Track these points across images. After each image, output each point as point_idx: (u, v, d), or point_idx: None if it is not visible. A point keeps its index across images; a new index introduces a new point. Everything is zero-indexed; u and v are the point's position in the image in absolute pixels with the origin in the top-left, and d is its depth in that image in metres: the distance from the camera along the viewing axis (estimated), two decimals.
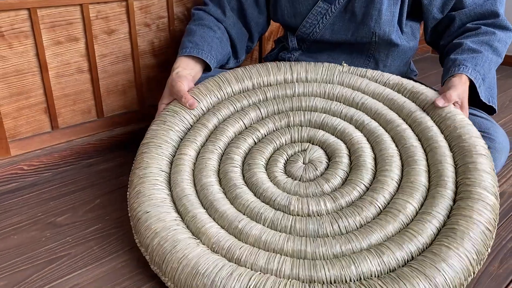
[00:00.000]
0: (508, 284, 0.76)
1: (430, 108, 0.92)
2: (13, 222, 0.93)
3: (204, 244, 0.75)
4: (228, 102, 0.98)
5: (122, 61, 1.24)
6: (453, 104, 0.92)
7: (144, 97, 1.31)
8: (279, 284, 0.67)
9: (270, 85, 1.02)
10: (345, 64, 1.04)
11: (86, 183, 1.09)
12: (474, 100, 1.00)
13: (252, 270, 0.71)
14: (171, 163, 0.89)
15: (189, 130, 0.94)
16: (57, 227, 0.92)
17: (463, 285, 0.69)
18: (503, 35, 1.00)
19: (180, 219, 0.79)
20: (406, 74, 1.23)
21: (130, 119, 1.30)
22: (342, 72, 1.02)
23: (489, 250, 0.74)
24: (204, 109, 0.96)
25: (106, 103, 1.25)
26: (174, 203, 0.82)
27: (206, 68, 1.06)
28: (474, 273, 0.71)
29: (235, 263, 0.72)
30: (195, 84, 1.01)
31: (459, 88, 0.92)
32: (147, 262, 0.79)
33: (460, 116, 0.89)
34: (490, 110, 1.04)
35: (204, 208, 0.81)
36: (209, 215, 0.80)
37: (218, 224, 0.78)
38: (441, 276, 0.66)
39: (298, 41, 1.17)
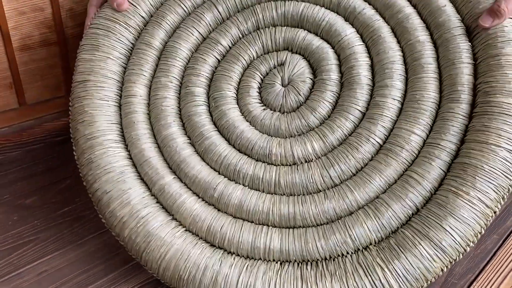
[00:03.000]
0: (486, 265, 0.76)
1: None
2: None
3: (180, 224, 0.66)
4: (173, 3, 0.76)
5: None
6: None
7: None
8: (270, 279, 0.60)
9: None
10: None
11: (56, 162, 1.05)
12: None
13: (239, 256, 0.63)
14: (119, 106, 0.73)
15: (131, 53, 0.76)
16: (25, 210, 0.88)
17: (479, 234, 0.59)
18: None
19: (148, 191, 0.68)
20: None
21: None
22: None
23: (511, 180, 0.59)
24: (144, 16, 0.77)
25: None
26: (135, 167, 0.70)
27: None
28: (495, 213, 0.59)
29: (218, 247, 0.64)
30: None
31: None
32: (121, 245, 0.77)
33: None
34: None
35: (171, 170, 0.69)
36: (179, 180, 0.68)
37: (191, 191, 0.68)
38: (447, 236, 0.57)
39: None
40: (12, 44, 1.05)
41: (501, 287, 0.71)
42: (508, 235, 0.82)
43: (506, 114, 0.58)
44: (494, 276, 0.73)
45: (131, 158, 0.71)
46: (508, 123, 0.58)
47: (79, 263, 0.75)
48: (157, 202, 0.68)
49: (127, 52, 0.76)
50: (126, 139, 0.71)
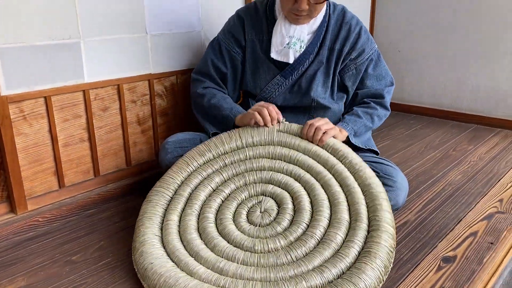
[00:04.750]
0: (400, 284, 1.10)
1: (347, 162, 1.25)
2: (37, 262, 1.21)
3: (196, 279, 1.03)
4: (196, 173, 1.27)
5: (114, 131, 1.56)
6: (316, 130, 1.27)
7: (131, 158, 1.63)
8: None
9: (226, 153, 1.31)
10: (285, 122, 1.34)
11: (89, 229, 1.38)
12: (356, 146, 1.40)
13: None
14: (161, 228, 1.18)
15: (170, 201, 1.23)
16: (73, 264, 1.20)
17: (380, 283, 1.02)
18: (382, 112, 1.48)
19: (176, 266, 1.07)
20: None
21: (120, 176, 1.61)
22: (279, 131, 1.32)
23: (392, 265, 1.08)
24: (178, 183, 1.26)
25: (102, 164, 1.55)
26: (169, 256, 1.10)
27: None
28: (383, 280, 1.04)
29: None
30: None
31: (334, 132, 1.31)
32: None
33: (368, 170, 1.23)
34: (375, 152, 1.48)
35: (192, 257, 1.09)
36: (197, 261, 1.08)
37: (205, 267, 1.06)
38: (362, 282, 0.99)
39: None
40: (58, 143, 1.42)
41: None
42: (418, 264, 1.18)
43: (387, 231, 1.09)
44: None
45: (166, 253, 1.11)
46: (389, 236, 1.08)
47: None
48: (182, 270, 1.06)
49: (167, 201, 1.24)
50: (164, 242, 1.14)
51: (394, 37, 2.66)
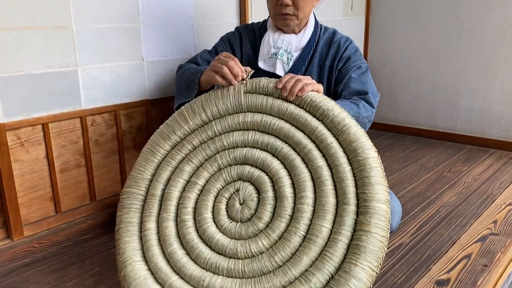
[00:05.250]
0: None
1: (328, 122, 1.04)
2: None
3: None
4: (165, 164, 1.12)
5: (111, 156, 1.58)
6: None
7: None
8: None
9: (193, 131, 1.13)
10: (249, 75, 1.13)
11: (85, 255, 1.38)
12: None
13: None
14: (141, 238, 1.08)
15: (144, 202, 1.12)
16: None
17: (370, 287, 0.90)
18: (367, 105, 1.35)
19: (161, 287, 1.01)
20: None
21: (117, 201, 1.60)
22: (247, 92, 1.12)
23: (386, 250, 0.93)
24: (149, 178, 1.12)
25: (98, 189, 1.57)
26: (153, 275, 1.03)
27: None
28: (377, 273, 0.91)
29: None
30: None
31: (318, 87, 1.11)
32: None
33: (354, 129, 1.02)
34: None
35: (176, 273, 1.02)
36: (181, 278, 1.01)
37: (189, 284, 1.00)
38: None
39: None
40: (55, 168, 1.44)
41: None
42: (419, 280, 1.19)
43: (377, 213, 0.93)
44: None
45: (149, 269, 1.04)
46: (380, 218, 0.92)
47: None
48: None
49: (141, 202, 1.12)
50: (146, 257, 1.05)
51: (388, 60, 2.70)
